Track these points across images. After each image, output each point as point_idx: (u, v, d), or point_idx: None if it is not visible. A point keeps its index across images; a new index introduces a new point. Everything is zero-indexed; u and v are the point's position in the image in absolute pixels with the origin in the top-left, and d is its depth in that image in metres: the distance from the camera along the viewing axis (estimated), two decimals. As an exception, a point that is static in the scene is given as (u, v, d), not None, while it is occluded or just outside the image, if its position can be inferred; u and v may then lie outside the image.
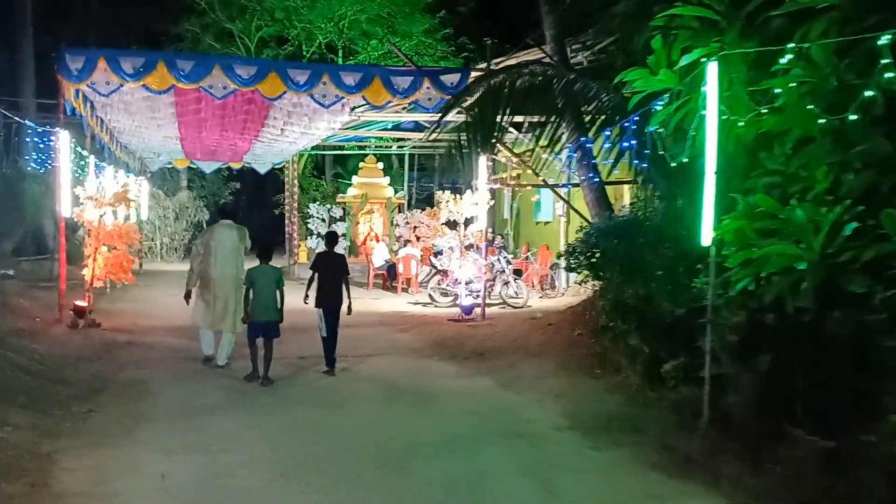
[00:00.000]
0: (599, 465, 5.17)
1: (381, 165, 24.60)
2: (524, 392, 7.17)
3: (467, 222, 12.17)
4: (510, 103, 9.81)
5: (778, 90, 4.81)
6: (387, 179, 24.43)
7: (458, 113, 13.89)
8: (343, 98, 11.96)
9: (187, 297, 8.47)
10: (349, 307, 8.20)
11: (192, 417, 6.15)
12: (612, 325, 7.43)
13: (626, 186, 16.32)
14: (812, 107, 4.61)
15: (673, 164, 5.50)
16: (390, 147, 24.49)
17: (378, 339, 10.51)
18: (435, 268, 13.93)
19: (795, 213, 4.52)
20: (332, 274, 8.22)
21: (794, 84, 4.67)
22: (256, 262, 7.77)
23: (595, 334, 9.20)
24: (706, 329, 5.54)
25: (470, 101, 10.60)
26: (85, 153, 13.14)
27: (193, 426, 5.88)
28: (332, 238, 8.80)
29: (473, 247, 12.44)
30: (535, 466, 5.12)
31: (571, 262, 8.17)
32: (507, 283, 13.66)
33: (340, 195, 24.04)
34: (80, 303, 10.73)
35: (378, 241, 19.32)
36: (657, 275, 6.58)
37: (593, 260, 7.78)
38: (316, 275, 8.23)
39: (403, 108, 17.42)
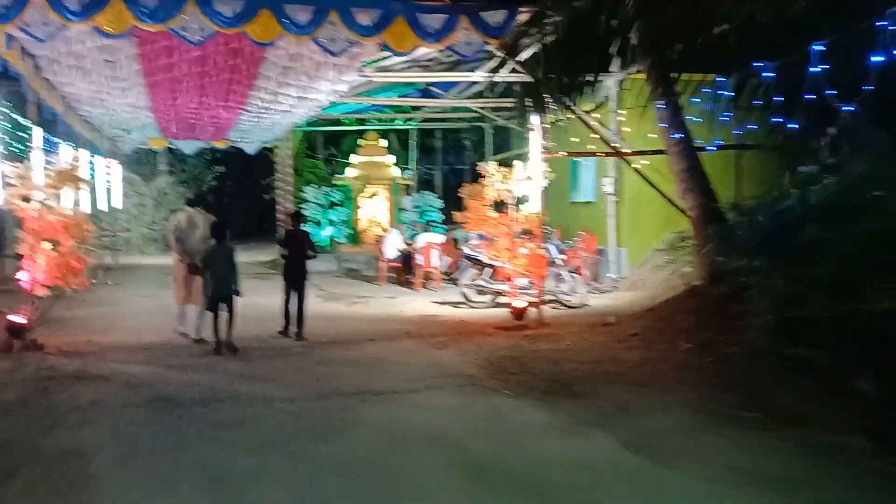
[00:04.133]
0: None
1: (384, 143, 21.86)
2: (685, 463, 4.54)
3: (518, 202, 9.53)
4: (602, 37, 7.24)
5: None
6: (391, 158, 21.70)
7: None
8: (356, 44, 9.27)
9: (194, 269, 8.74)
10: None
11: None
12: (804, 354, 4.83)
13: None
14: None
15: None
16: (393, 121, 21.74)
17: (413, 359, 7.87)
18: (474, 261, 11.27)
19: None
20: (298, 250, 8.92)
21: None
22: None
23: (724, 352, 6.67)
24: None
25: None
26: (28, 123, 10.39)
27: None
28: (297, 216, 9.82)
29: (527, 233, 9.81)
30: None
31: (737, 257, 5.55)
32: (559, 276, 11.05)
33: (338, 177, 21.28)
34: (15, 318, 8.05)
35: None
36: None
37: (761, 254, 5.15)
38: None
39: (415, 68, 14.81)
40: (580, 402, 6.04)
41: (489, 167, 9.26)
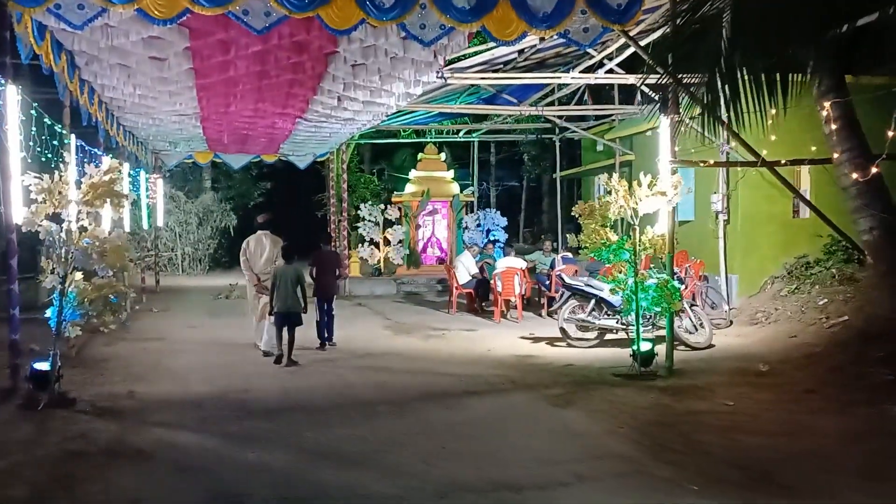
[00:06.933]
0: None
1: (443, 157, 20.29)
2: None
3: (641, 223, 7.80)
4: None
5: None
6: (451, 173, 20.11)
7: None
8: (449, 31, 7.69)
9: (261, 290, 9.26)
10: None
11: None
12: None
13: (806, 168, 11.84)
14: None
15: None
16: (458, 132, 20.16)
17: (536, 424, 6.14)
18: (575, 291, 9.53)
19: None
20: (326, 268, 9.83)
21: None
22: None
23: None
24: None
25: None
26: (60, 129, 9.02)
27: None
28: (327, 238, 10.90)
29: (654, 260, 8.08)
30: None
31: None
32: (680, 312, 9.25)
33: (397, 194, 19.71)
34: (40, 365, 6.56)
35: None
36: None
37: None
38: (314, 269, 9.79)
39: (488, 70, 13.23)
40: (807, 509, 4.27)
41: (612, 181, 7.54)
